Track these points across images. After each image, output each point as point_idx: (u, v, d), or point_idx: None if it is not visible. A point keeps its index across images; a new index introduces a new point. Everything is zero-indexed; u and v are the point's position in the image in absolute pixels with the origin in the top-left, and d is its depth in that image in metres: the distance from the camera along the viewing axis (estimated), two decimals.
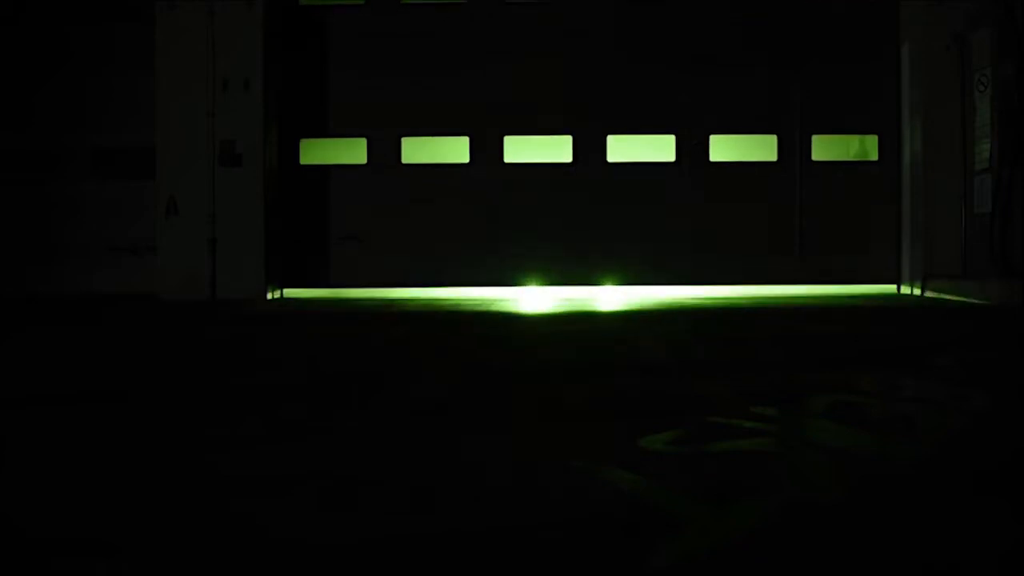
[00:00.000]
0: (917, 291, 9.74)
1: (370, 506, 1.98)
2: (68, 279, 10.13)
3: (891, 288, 10.25)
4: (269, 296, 9.76)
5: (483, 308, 8.27)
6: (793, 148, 10.15)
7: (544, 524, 1.84)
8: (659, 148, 10.19)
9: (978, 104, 9.12)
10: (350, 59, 10.10)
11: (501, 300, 9.42)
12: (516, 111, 10.06)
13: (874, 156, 10.23)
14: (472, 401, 3.31)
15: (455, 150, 10.13)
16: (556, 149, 10.17)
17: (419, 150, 10.12)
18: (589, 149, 10.13)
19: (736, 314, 7.41)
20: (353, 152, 10.15)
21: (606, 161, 10.17)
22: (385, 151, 10.07)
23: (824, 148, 10.22)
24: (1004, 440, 2.65)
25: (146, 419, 3.09)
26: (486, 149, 10.09)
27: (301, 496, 2.06)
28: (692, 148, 10.06)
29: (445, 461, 2.41)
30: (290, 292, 10.13)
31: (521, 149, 10.17)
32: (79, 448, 2.63)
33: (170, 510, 1.98)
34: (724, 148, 10.19)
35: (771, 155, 10.19)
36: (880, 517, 1.90)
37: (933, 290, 9.45)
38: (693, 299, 9.35)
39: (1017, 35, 8.57)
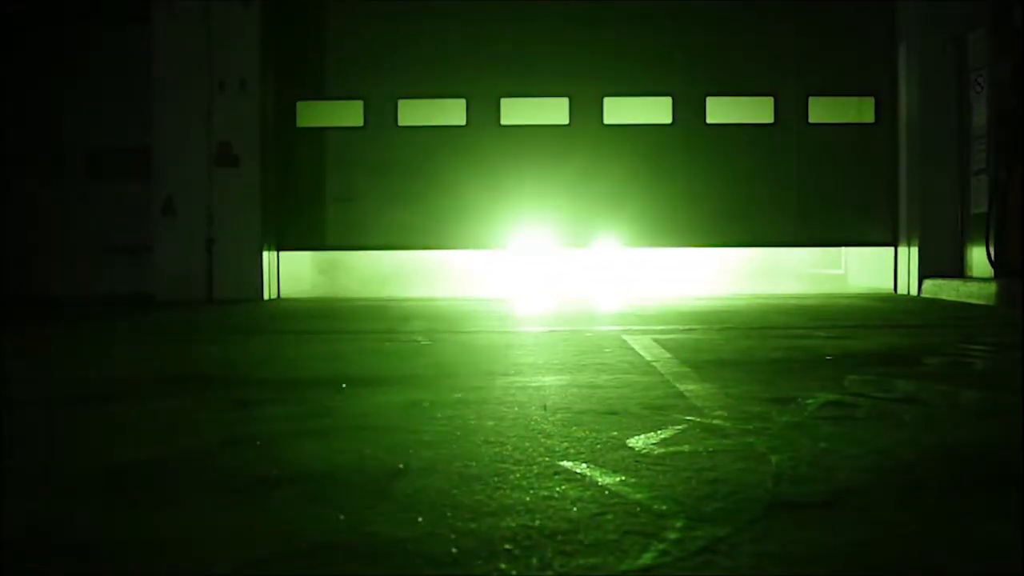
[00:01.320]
0: (914, 291, 9.74)
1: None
2: (65, 280, 10.13)
3: (888, 288, 10.26)
4: (267, 296, 9.76)
5: (466, 317, 8.26)
6: (790, 110, 10.16)
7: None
8: (656, 110, 10.19)
9: (974, 105, 9.11)
10: (348, 22, 10.10)
11: (500, 301, 9.41)
12: (513, 74, 10.07)
13: (870, 118, 10.24)
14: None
15: (452, 112, 10.13)
16: (553, 111, 10.18)
17: (416, 112, 10.13)
18: (586, 111, 10.13)
19: (732, 314, 7.40)
20: (350, 114, 10.16)
21: (603, 123, 10.17)
22: (382, 113, 10.08)
23: (821, 110, 10.24)
24: (988, 442, 2.64)
25: None
26: (483, 111, 10.09)
27: None
28: (689, 109, 10.07)
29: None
30: (286, 255, 10.14)
31: (518, 111, 10.18)
32: None
33: None
34: (721, 110, 10.20)
35: (768, 117, 10.20)
36: (862, 517, 1.89)
37: (930, 290, 9.44)
38: (688, 301, 9.33)
39: (1013, 36, 8.56)
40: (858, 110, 10.34)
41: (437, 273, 11.77)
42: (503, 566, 1.64)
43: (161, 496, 2.18)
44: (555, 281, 12.29)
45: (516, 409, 3.15)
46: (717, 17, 10.15)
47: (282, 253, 10.29)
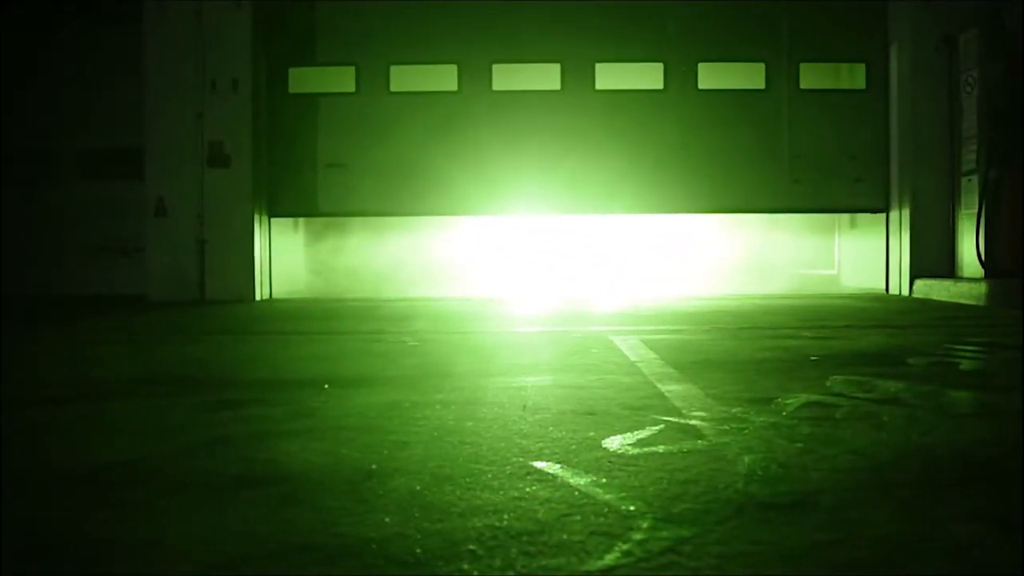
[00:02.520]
0: (905, 291, 9.75)
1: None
2: (58, 281, 10.13)
3: (880, 288, 10.27)
4: (259, 297, 9.76)
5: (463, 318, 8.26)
6: (781, 75, 10.17)
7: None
8: (648, 76, 10.21)
9: (965, 105, 9.12)
10: None
11: (495, 301, 9.41)
12: (505, 39, 10.08)
13: (862, 85, 10.26)
14: None
15: (444, 78, 10.14)
16: (545, 77, 10.18)
17: (408, 78, 10.13)
18: (577, 77, 10.14)
19: (722, 314, 7.41)
20: (342, 80, 10.16)
21: (594, 88, 10.18)
22: (374, 79, 10.08)
23: (812, 76, 10.26)
24: (965, 442, 2.65)
25: None
26: (475, 77, 10.09)
27: None
28: (680, 75, 10.08)
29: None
30: (278, 221, 10.12)
31: (510, 77, 10.19)
32: None
33: None
34: (713, 76, 10.21)
35: (759, 83, 10.22)
36: (830, 517, 1.90)
37: (921, 290, 9.45)
38: (681, 301, 9.33)
39: (1004, 36, 8.57)
40: (849, 76, 10.36)
41: (434, 273, 11.79)
42: (465, 567, 1.64)
43: (136, 496, 2.18)
44: (551, 279, 12.31)
45: (496, 410, 3.15)
46: None
47: (274, 255, 10.29)
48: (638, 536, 1.78)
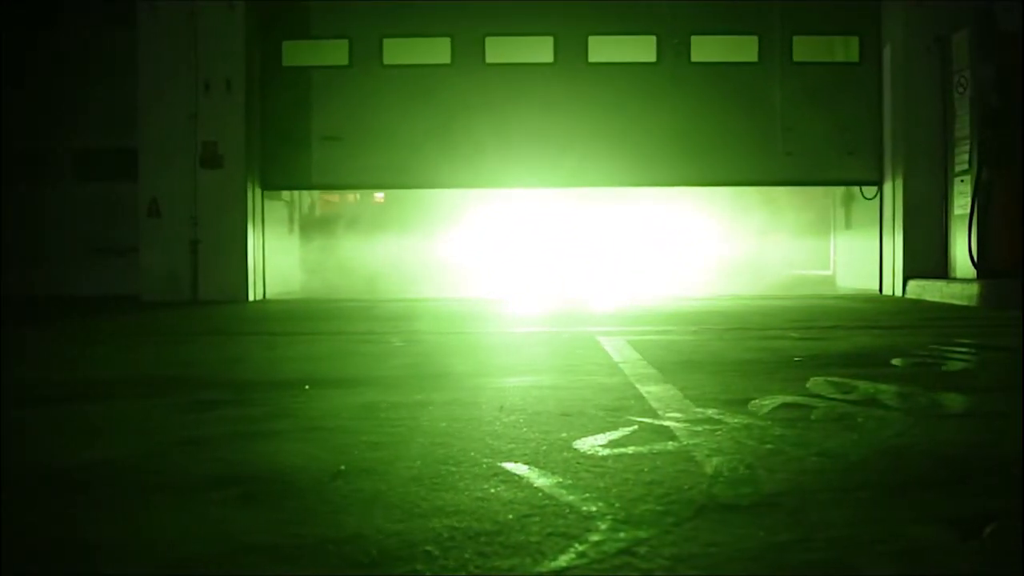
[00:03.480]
0: (899, 292, 9.75)
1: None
2: (52, 281, 10.13)
3: (875, 289, 10.28)
4: (252, 297, 9.76)
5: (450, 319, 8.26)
6: (773, 49, 10.16)
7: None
8: (641, 49, 10.20)
9: (957, 105, 9.12)
10: None
11: (491, 301, 9.41)
12: (498, 12, 10.07)
13: (855, 58, 10.25)
14: None
15: (437, 51, 10.13)
16: (538, 50, 10.18)
17: (401, 51, 10.13)
18: (570, 50, 10.13)
19: (713, 315, 7.41)
20: (335, 53, 10.15)
21: (587, 62, 10.17)
22: (367, 52, 10.08)
23: (805, 49, 10.25)
24: (936, 443, 2.65)
25: None
26: (468, 50, 10.09)
27: None
28: (673, 48, 10.07)
29: None
30: (271, 193, 10.13)
31: (503, 50, 10.18)
32: None
33: None
34: (705, 49, 10.21)
35: (752, 56, 10.21)
36: (791, 519, 1.90)
37: (914, 291, 9.45)
38: (675, 301, 9.33)
39: (996, 36, 8.57)
40: (844, 49, 10.36)
41: (431, 273, 11.80)
42: (419, 567, 1.65)
43: (103, 496, 2.18)
44: (551, 278, 12.34)
45: (472, 411, 3.15)
46: None
47: (269, 255, 10.30)
48: (595, 537, 1.78)
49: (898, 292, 9.74)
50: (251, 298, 9.72)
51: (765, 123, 10.19)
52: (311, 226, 13.13)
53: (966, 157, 8.94)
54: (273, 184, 10.13)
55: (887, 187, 10.01)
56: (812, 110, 10.14)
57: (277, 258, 10.86)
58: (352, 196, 14.73)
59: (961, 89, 9.04)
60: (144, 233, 9.56)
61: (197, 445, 2.72)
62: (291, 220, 12.29)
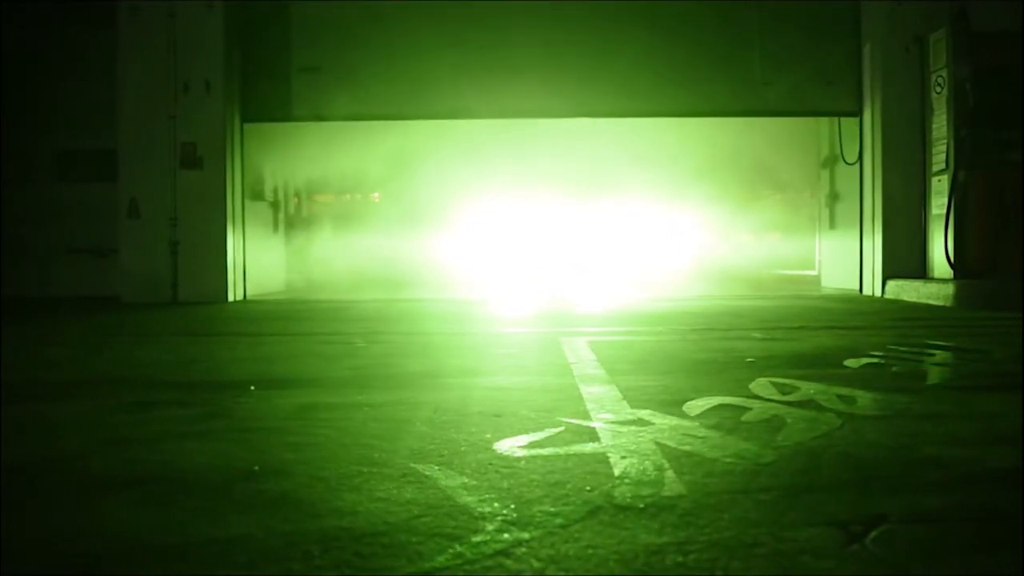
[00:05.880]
0: (878, 292, 9.76)
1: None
2: (32, 282, 10.14)
3: (853, 289, 10.28)
4: (232, 298, 9.77)
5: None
6: None
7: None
8: None
9: (935, 105, 9.13)
10: None
11: (470, 301, 9.42)
12: None
13: None
14: None
15: None
16: None
17: None
18: None
19: (683, 316, 7.41)
20: None
21: None
22: None
23: None
24: (857, 443, 2.66)
25: None
26: None
27: None
28: None
29: None
30: (251, 127, 10.01)
31: None
32: None
33: None
34: None
35: None
36: (681, 520, 1.91)
37: (893, 291, 9.45)
38: (651, 302, 9.34)
39: (972, 36, 8.58)
40: None
41: (417, 271, 11.82)
42: (295, 567, 1.66)
43: (13, 497, 2.19)
44: (535, 278, 12.36)
45: (407, 412, 3.17)
46: None
47: (252, 255, 10.31)
48: (477, 538, 1.79)
49: (878, 292, 9.75)
50: (231, 299, 9.73)
51: (743, 51, 10.12)
52: (298, 226, 13.14)
53: (943, 157, 8.95)
54: (253, 117, 9.81)
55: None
56: (791, 41, 10.07)
57: (260, 258, 10.86)
58: (347, 196, 14.76)
59: (938, 89, 9.05)
60: (123, 234, 9.57)
61: (123, 445, 2.74)
62: (276, 220, 12.30)
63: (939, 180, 9.05)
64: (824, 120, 11.60)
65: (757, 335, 5.71)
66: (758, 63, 10.16)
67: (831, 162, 11.68)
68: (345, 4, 10.04)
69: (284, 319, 7.76)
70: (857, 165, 10.23)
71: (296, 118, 10.03)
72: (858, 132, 10.20)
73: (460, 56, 9.95)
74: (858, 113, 10.14)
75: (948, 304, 8.14)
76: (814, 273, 12.84)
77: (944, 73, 8.93)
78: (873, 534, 1.83)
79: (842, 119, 10.71)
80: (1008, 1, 8.68)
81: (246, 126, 9.97)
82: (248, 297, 10.15)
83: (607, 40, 10.11)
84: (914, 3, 9.45)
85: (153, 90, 9.47)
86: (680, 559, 1.69)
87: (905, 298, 9.08)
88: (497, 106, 10.10)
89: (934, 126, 9.16)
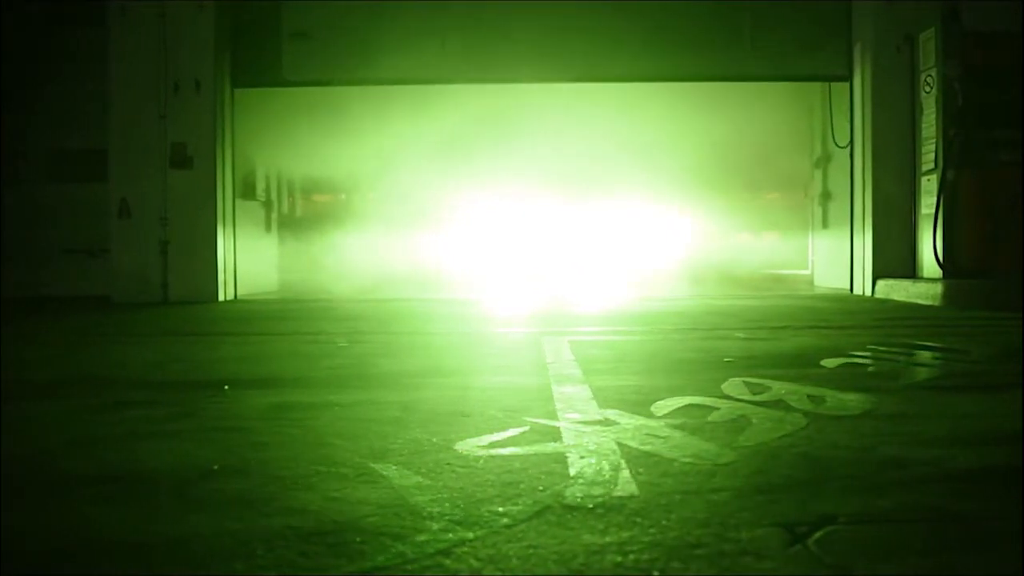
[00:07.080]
0: (868, 291, 9.76)
1: None
2: (23, 282, 10.13)
3: (844, 289, 10.29)
4: (223, 298, 9.79)
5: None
6: None
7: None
8: None
9: (924, 105, 9.13)
10: None
11: (460, 302, 9.43)
12: None
13: None
14: None
15: None
16: None
17: None
18: None
19: (670, 316, 7.42)
20: None
21: None
22: None
23: None
24: (818, 444, 2.66)
25: None
26: None
27: None
28: None
29: None
30: (240, 92, 10.01)
31: None
32: None
33: None
34: None
35: None
36: (629, 521, 1.92)
37: (882, 290, 9.46)
38: (640, 302, 9.35)
39: (961, 36, 8.59)
40: None
41: (411, 271, 11.81)
42: (237, 566, 1.67)
43: None
44: (529, 278, 12.36)
45: (376, 412, 3.18)
46: None
47: (243, 255, 10.32)
48: (422, 538, 1.80)
49: (868, 292, 9.75)
50: (221, 298, 9.74)
51: (733, 14, 10.13)
52: (291, 225, 13.14)
53: (932, 156, 8.96)
54: (243, 82, 9.80)
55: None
56: (781, 5, 10.11)
57: (252, 258, 10.87)
58: (341, 195, 14.75)
59: (928, 88, 9.06)
60: (115, 234, 9.58)
61: (89, 445, 2.75)
62: (268, 220, 12.31)
63: (928, 179, 9.06)
64: (817, 116, 11.62)
65: (740, 335, 5.72)
66: (748, 28, 10.15)
67: (824, 161, 11.69)
68: None
69: (271, 319, 7.77)
70: (848, 164, 10.24)
71: (285, 83, 9.97)
72: (848, 133, 10.22)
73: (448, 20, 9.91)
74: (849, 114, 10.14)
75: (937, 304, 8.15)
76: (807, 272, 12.85)
77: (933, 72, 8.94)
78: (817, 535, 1.84)
79: (835, 119, 10.72)
80: (1003, 1, 8.69)
81: (237, 95, 9.92)
82: (239, 297, 10.16)
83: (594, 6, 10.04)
84: (905, 3, 9.45)
85: (143, 90, 9.48)
86: (619, 559, 1.70)
87: (895, 298, 9.09)
88: (487, 72, 10.04)
89: (923, 125, 9.16)
